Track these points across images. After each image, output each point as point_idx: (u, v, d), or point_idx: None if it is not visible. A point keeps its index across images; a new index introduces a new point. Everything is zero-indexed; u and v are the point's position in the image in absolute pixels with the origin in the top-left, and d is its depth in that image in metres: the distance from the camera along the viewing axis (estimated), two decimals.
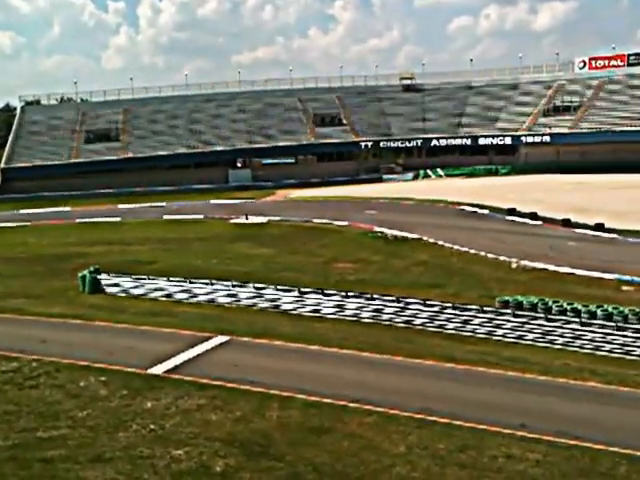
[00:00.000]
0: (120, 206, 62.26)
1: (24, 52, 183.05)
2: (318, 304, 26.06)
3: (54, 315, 25.77)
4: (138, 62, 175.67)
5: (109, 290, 29.62)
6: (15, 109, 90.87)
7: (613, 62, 78.24)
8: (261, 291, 27.22)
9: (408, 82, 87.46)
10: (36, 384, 18.61)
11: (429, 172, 76.75)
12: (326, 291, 26.27)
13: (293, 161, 78.61)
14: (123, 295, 29.27)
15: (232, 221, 51.40)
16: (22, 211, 61.28)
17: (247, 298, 27.29)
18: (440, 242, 39.35)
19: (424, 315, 24.32)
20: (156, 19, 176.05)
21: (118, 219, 54.77)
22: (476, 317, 23.51)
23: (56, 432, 15.57)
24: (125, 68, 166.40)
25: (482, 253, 35.89)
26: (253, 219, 51.46)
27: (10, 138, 78.31)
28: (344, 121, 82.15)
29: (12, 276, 34.50)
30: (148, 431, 15.54)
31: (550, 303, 23.97)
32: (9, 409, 16.87)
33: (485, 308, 23.60)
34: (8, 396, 17.81)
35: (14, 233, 51.26)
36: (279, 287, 27.15)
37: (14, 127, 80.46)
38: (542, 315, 22.90)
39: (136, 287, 29.26)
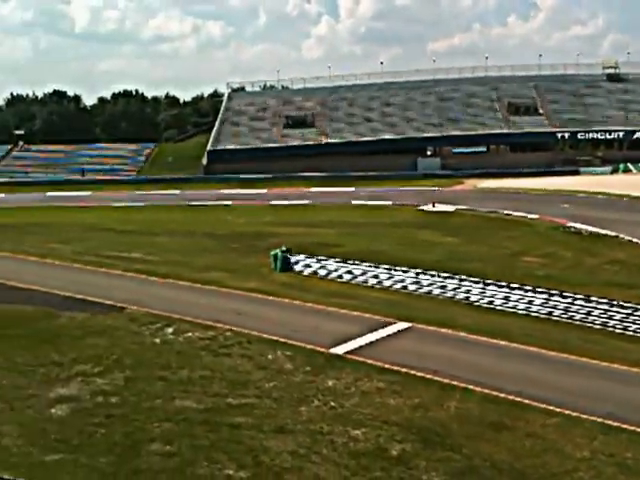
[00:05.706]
0: (312, 189, 64.63)
1: (232, 41, 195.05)
2: (503, 297, 25.24)
3: (248, 290, 26.94)
4: (336, 51, 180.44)
5: (298, 269, 30.70)
6: (222, 95, 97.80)
7: None
8: (444, 280, 26.89)
9: (612, 71, 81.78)
10: (229, 353, 19.49)
11: (630, 166, 71.19)
12: (512, 285, 25.35)
13: (484, 150, 76.64)
14: (311, 275, 30.17)
15: (419, 208, 51.28)
16: (223, 191, 65.16)
17: (428, 286, 27.08)
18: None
19: (616, 317, 22.71)
20: (355, 8, 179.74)
21: (308, 202, 56.83)
22: None
23: (244, 400, 16.18)
24: (324, 57, 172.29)
25: None
26: (440, 207, 51.01)
27: (217, 123, 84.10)
28: (540, 111, 78.87)
29: (214, 251, 36.85)
30: (328, 408, 15.80)
31: None
32: (204, 374, 17.83)
33: None
34: (204, 361, 18.87)
35: (216, 211, 55.28)
36: (463, 277, 26.63)
37: (220, 112, 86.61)
38: None
39: (323, 268, 30.06)
